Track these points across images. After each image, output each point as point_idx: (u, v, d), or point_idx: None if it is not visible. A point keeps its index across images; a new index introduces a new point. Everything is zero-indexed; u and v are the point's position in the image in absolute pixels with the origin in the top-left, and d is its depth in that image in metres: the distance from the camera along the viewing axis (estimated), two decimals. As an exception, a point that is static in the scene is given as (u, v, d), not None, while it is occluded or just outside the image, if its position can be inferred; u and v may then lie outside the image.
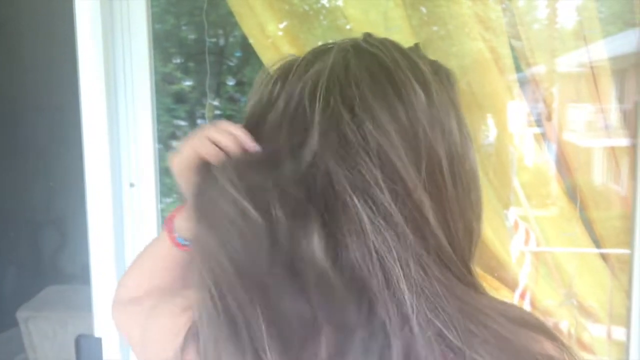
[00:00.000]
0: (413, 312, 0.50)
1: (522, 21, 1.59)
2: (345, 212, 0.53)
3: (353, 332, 0.50)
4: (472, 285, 0.57)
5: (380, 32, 1.63)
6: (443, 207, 0.56)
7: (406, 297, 0.50)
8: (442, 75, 0.62)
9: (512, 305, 0.56)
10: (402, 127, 0.55)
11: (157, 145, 1.46)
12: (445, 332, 0.49)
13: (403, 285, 0.51)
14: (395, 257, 0.51)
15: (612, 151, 1.57)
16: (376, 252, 0.52)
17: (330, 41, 0.65)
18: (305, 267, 0.51)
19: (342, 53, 0.60)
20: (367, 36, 0.64)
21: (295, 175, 0.54)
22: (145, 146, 1.44)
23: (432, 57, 0.65)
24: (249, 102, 0.65)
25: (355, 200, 0.53)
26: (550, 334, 0.54)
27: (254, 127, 0.61)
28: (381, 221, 0.52)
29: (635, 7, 1.47)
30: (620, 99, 1.58)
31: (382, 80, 0.57)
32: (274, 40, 1.61)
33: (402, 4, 1.59)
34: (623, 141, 1.54)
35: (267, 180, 0.55)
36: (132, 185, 1.44)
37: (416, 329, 0.49)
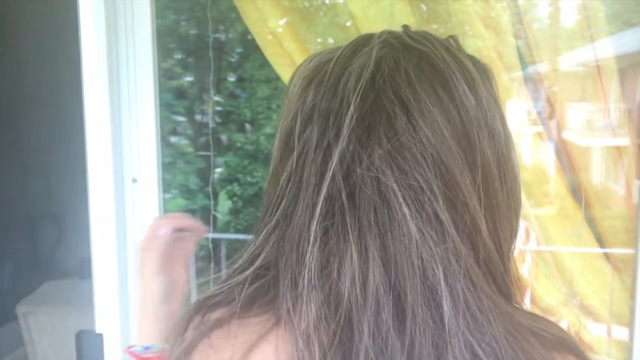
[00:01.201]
0: (452, 335, 0.47)
1: (523, 19, 1.58)
2: (392, 220, 0.49)
3: (386, 344, 0.47)
4: (513, 297, 0.54)
5: (381, 29, 1.63)
6: (493, 215, 0.53)
7: (445, 318, 0.47)
8: (481, 71, 0.59)
9: (543, 321, 0.54)
10: (456, 130, 0.52)
11: (160, 141, 1.46)
12: (482, 356, 0.47)
13: (446, 305, 0.47)
14: (441, 272, 0.48)
15: (614, 150, 1.57)
16: (422, 266, 0.48)
17: (364, 35, 0.59)
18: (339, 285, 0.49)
19: (388, 48, 0.55)
20: (408, 29, 0.59)
21: (338, 182, 0.50)
22: (148, 142, 1.43)
23: None
24: (285, 105, 0.59)
25: (405, 208, 0.49)
26: (579, 354, 0.52)
27: (290, 132, 0.55)
28: (431, 232, 0.49)
29: (636, 6, 1.46)
30: (622, 98, 1.58)
31: (434, 80, 0.53)
32: (275, 35, 1.61)
33: (403, 1, 1.59)
34: (624, 140, 1.54)
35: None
36: (134, 180, 1.43)
37: (451, 349, 0.46)
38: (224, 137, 6.32)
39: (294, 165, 0.53)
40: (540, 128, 1.63)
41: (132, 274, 1.44)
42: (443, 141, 0.51)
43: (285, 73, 1.61)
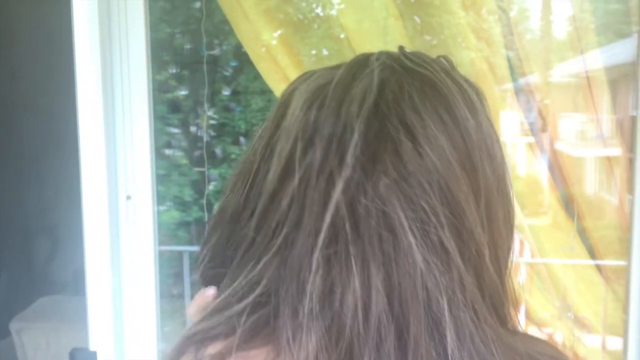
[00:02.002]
0: None
1: (514, 31, 1.60)
2: (397, 250, 0.48)
3: None
4: (514, 325, 0.54)
5: (374, 42, 1.65)
6: (494, 239, 0.53)
7: (449, 350, 0.46)
8: (477, 93, 0.57)
9: (540, 344, 0.53)
10: (461, 156, 0.51)
11: (154, 157, 1.45)
12: None
13: (450, 337, 0.47)
14: (446, 303, 0.47)
15: (606, 160, 1.58)
16: (427, 297, 0.47)
17: (361, 55, 0.58)
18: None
19: (389, 71, 0.54)
20: (404, 50, 0.58)
21: (341, 211, 0.49)
22: (142, 158, 1.43)
23: None
24: (278, 130, 0.56)
25: (411, 237, 0.48)
26: None
27: (290, 155, 0.53)
28: (437, 261, 0.48)
29: (629, 17, 1.48)
30: (613, 109, 1.59)
31: (438, 105, 0.52)
32: (268, 48, 1.62)
33: (397, 14, 1.60)
34: (616, 150, 1.55)
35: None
36: (128, 197, 1.43)
37: None
38: (218, 149, 6.33)
39: (296, 191, 0.51)
40: (531, 139, 1.64)
41: (126, 292, 1.44)
42: (449, 167, 0.50)
43: (277, 86, 1.62)
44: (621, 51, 1.54)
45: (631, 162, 1.36)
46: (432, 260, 0.48)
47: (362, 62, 0.56)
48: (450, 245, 0.48)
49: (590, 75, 1.54)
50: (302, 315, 0.48)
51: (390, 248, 0.48)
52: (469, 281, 0.49)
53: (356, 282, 0.47)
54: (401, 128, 0.50)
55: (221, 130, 6.31)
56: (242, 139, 6.51)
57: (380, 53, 0.57)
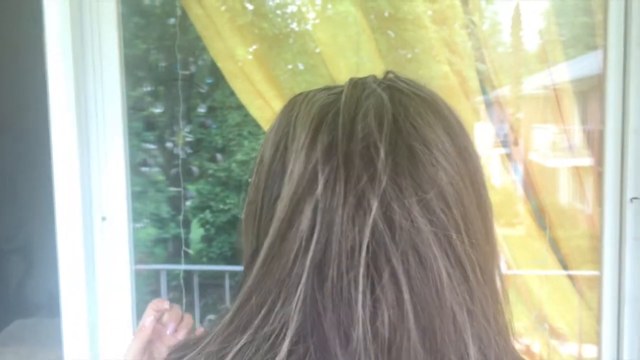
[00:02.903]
0: None
1: (486, 45, 1.62)
2: (425, 264, 0.48)
3: None
4: (510, 335, 0.55)
5: (348, 56, 1.66)
6: (493, 256, 0.55)
7: (471, 353, 0.48)
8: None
9: None
10: (468, 172, 0.53)
11: (129, 177, 1.43)
12: None
13: (473, 349, 0.48)
14: (466, 316, 0.48)
15: (576, 171, 1.61)
16: (452, 311, 0.48)
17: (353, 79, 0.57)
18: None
19: (394, 91, 0.54)
20: (395, 74, 0.58)
21: (379, 228, 0.48)
22: (117, 178, 1.41)
23: None
24: (284, 156, 0.54)
25: (436, 251, 0.48)
26: None
27: (309, 179, 0.51)
28: (458, 275, 0.49)
29: (596, 30, 1.51)
30: (583, 120, 1.62)
31: (444, 125, 0.53)
32: (244, 64, 1.62)
33: (370, 28, 1.62)
34: (586, 161, 1.58)
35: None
36: (104, 219, 1.41)
37: None
38: (196, 165, 6.29)
39: (319, 213, 0.49)
40: (504, 151, 1.66)
41: (102, 313, 1.41)
42: (462, 183, 0.51)
43: (252, 103, 1.62)
44: (589, 64, 1.57)
45: (600, 175, 1.38)
46: (454, 274, 0.49)
47: (361, 83, 0.56)
48: (467, 259, 0.49)
49: (559, 88, 1.57)
50: (356, 341, 0.47)
51: (418, 262, 0.48)
52: (482, 294, 0.50)
53: (392, 298, 0.47)
54: (423, 145, 0.51)
55: (197, 146, 6.28)
56: (218, 155, 6.48)
57: (373, 76, 0.58)
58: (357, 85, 0.56)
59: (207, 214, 6.50)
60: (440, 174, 0.50)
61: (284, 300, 0.49)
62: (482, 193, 0.54)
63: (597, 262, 1.40)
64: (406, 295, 0.47)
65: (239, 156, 6.32)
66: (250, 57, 1.66)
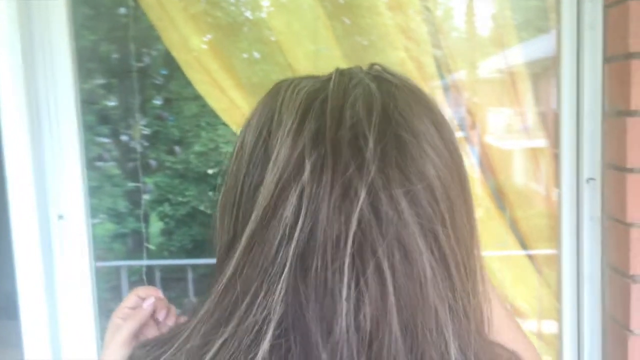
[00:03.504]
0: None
1: (441, 30, 1.64)
2: (410, 258, 0.47)
3: None
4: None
5: (305, 44, 1.65)
6: (476, 248, 0.54)
7: (451, 352, 0.48)
8: None
9: (504, 351, 0.56)
10: (455, 164, 0.53)
11: (86, 173, 1.39)
12: None
13: (454, 345, 0.48)
14: (448, 312, 0.48)
15: (532, 152, 1.65)
16: (434, 306, 0.48)
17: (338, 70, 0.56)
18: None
19: (379, 82, 0.53)
20: (380, 65, 0.57)
21: (365, 218, 0.47)
22: (73, 175, 1.36)
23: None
24: (266, 143, 0.52)
25: (422, 245, 0.48)
26: None
27: (294, 166, 0.49)
28: (440, 270, 0.48)
29: (547, 13, 1.54)
30: (538, 102, 1.65)
31: (431, 116, 0.53)
32: (199, 54, 1.59)
33: (326, 15, 1.61)
34: (542, 142, 1.62)
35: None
36: (60, 217, 1.36)
37: None
38: (153, 158, 6.19)
39: (305, 200, 0.47)
40: (461, 134, 1.69)
41: (62, 313, 1.38)
42: (449, 176, 0.51)
43: (209, 93, 1.59)
44: (542, 46, 1.61)
45: (556, 156, 1.41)
46: (438, 270, 0.48)
47: (348, 73, 0.55)
48: (451, 254, 0.49)
49: (513, 71, 1.60)
50: (338, 334, 0.46)
51: (403, 256, 0.47)
52: (464, 291, 0.50)
53: (376, 291, 0.46)
54: (412, 136, 0.50)
55: (154, 139, 6.17)
56: (176, 147, 6.38)
57: (359, 67, 0.57)
58: (345, 74, 0.55)
59: (166, 207, 6.42)
60: (428, 166, 0.50)
61: (266, 291, 0.48)
62: (467, 187, 0.54)
63: (555, 241, 1.44)
64: (390, 289, 0.46)
65: (197, 147, 6.25)
66: (205, 46, 1.64)
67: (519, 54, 1.62)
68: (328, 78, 0.54)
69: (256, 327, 0.47)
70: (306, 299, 0.47)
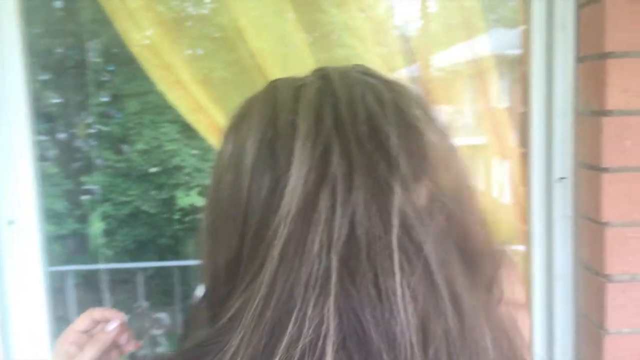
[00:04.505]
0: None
1: (383, 28, 1.66)
2: (445, 250, 0.46)
3: None
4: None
5: (252, 40, 1.64)
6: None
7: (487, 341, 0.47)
8: None
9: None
10: (454, 153, 0.54)
11: (38, 177, 1.31)
12: None
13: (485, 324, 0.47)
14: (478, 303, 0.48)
15: (469, 149, 1.69)
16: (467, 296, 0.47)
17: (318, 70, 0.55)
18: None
19: (374, 79, 0.53)
20: (362, 66, 0.56)
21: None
22: (23, 178, 1.27)
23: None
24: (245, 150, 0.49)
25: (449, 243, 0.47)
26: None
27: (319, 174, 0.46)
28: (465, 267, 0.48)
29: (483, 13, 1.58)
30: (475, 100, 1.70)
31: (425, 109, 0.53)
32: (141, 49, 1.56)
33: (271, 13, 1.61)
34: (482, 139, 1.66)
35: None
36: (10, 222, 1.29)
37: None
38: (94, 156, 6.03)
39: (341, 205, 0.45)
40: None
41: (15, 326, 1.31)
42: (457, 162, 0.53)
43: (162, 79, 1.53)
44: (480, 46, 1.65)
45: (524, 155, 1.41)
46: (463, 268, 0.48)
47: (339, 70, 0.54)
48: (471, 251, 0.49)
49: (454, 70, 1.64)
50: (399, 334, 0.44)
51: (439, 246, 0.47)
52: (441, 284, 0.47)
53: (426, 287, 0.46)
54: (424, 125, 0.50)
55: (96, 136, 6.01)
56: (123, 146, 6.24)
57: (344, 66, 0.56)
58: (338, 71, 0.54)
59: (108, 207, 6.26)
60: (441, 153, 0.50)
61: (315, 304, 0.43)
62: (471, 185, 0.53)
63: (525, 239, 1.42)
64: (440, 283, 0.45)
65: (140, 145, 6.12)
66: (147, 42, 1.61)
67: (460, 53, 1.66)
68: (323, 75, 0.53)
69: (313, 346, 0.43)
70: (360, 305, 0.44)
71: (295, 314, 0.43)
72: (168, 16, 1.72)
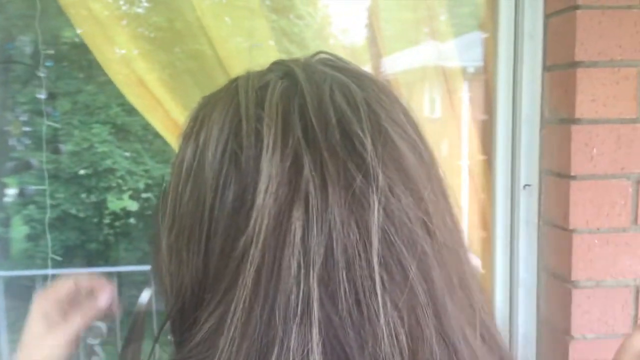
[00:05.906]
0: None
1: (320, 35, 1.68)
2: (424, 265, 0.43)
3: None
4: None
5: (188, 42, 1.62)
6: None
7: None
8: None
9: None
10: (429, 154, 0.49)
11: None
12: None
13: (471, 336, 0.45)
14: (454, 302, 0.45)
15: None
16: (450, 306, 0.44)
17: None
18: None
19: (341, 72, 0.48)
20: (332, 55, 0.52)
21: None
22: None
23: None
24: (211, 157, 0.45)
25: (427, 247, 0.44)
26: None
27: (290, 187, 0.42)
28: (445, 274, 0.45)
29: (417, 26, 1.62)
30: (418, 109, 1.74)
31: (397, 105, 0.49)
32: (71, 47, 1.52)
33: (212, 14, 1.60)
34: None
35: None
36: None
37: None
38: (20, 156, 5.77)
39: (316, 221, 0.41)
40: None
41: None
42: (432, 166, 0.48)
43: (113, 70, 1.47)
44: (416, 57, 1.69)
45: (487, 162, 1.40)
46: (442, 275, 0.44)
47: (302, 64, 0.50)
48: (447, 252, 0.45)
49: (391, 79, 1.67)
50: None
51: (420, 261, 0.43)
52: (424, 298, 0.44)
53: (409, 303, 0.43)
54: (397, 127, 0.46)
55: (27, 136, 5.76)
56: (46, 145, 6.00)
57: (307, 57, 0.51)
58: (301, 65, 0.49)
59: (32, 210, 6.00)
60: (414, 158, 0.46)
61: (297, 333, 0.40)
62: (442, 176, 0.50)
63: (486, 246, 1.42)
64: (423, 301, 0.42)
65: (69, 146, 5.90)
66: (77, 39, 1.56)
67: (395, 63, 1.70)
68: (287, 72, 0.48)
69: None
70: (343, 332, 0.41)
71: (277, 346, 0.40)
72: (101, 14, 1.68)
